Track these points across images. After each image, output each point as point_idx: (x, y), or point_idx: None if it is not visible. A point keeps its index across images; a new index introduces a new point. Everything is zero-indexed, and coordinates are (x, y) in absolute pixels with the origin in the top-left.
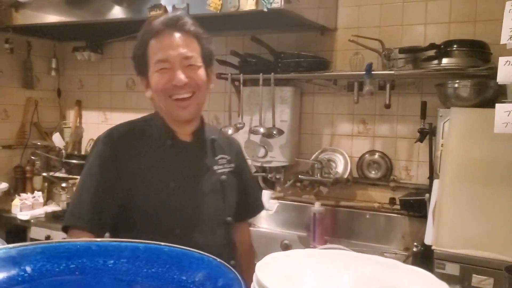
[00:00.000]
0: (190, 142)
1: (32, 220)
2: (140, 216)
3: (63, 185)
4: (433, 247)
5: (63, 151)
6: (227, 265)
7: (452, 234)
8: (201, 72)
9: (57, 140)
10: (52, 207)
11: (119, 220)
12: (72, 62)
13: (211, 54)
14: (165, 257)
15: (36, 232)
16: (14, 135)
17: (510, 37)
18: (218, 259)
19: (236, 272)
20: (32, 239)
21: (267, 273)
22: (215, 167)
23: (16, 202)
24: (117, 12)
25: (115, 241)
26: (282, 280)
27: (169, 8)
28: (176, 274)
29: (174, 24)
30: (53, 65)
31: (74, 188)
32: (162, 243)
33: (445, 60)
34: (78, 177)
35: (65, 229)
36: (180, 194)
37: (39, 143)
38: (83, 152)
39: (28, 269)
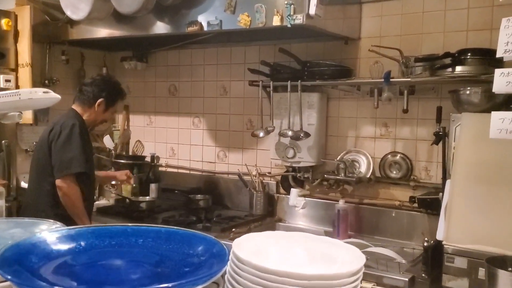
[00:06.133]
0: None
1: None
2: (88, 176)
3: (113, 182)
4: (443, 242)
5: (113, 152)
6: (218, 240)
7: (462, 231)
8: None
9: (108, 141)
10: (102, 202)
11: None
12: (120, 70)
13: None
14: (179, 237)
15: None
16: None
17: (505, 51)
18: (214, 238)
19: (222, 243)
20: None
21: (241, 248)
22: None
23: None
24: (160, 27)
25: (144, 226)
26: (252, 253)
27: (204, 24)
28: (185, 248)
29: None
30: (104, 74)
31: (62, 148)
32: (177, 228)
33: (458, 68)
34: None
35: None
36: None
37: None
38: (130, 153)
39: (82, 243)
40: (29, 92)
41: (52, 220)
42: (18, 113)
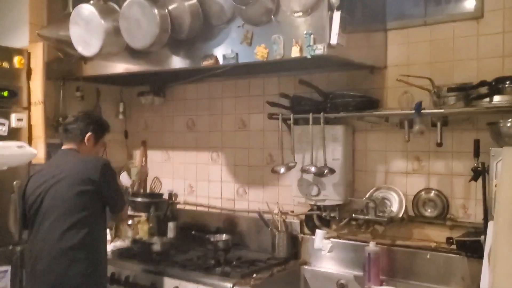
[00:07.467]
0: None
1: None
2: None
3: (129, 222)
4: None
5: (130, 190)
6: None
7: (509, 281)
8: None
9: (125, 179)
10: (119, 244)
11: None
12: (138, 106)
13: None
14: None
15: None
16: None
17: None
18: None
19: None
20: None
21: None
22: None
23: None
24: (175, 61)
25: None
26: None
27: (220, 58)
28: None
29: None
30: (121, 109)
31: (115, 191)
32: None
33: (497, 98)
34: (144, 214)
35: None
36: None
37: None
38: (148, 191)
39: None
40: (2, 147)
41: None
42: None
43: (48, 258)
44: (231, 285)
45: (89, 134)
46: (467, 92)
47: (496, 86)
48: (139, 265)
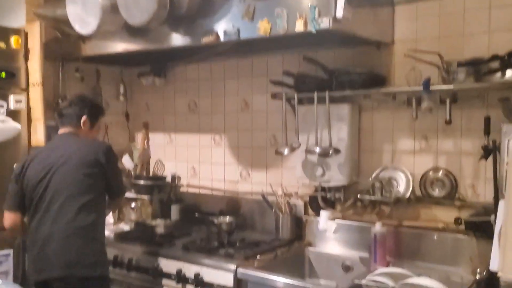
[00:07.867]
0: None
1: None
2: None
3: (132, 205)
4: (499, 274)
5: (132, 172)
6: None
7: None
8: None
9: (127, 162)
10: (121, 227)
11: None
12: (138, 87)
13: None
14: None
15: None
16: None
17: None
18: None
19: None
20: None
21: None
22: None
23: None
24: (175, 39)
25: None
26: None
27: (221, 34)
28: None
29: None
30: (121, 91)
31: (117, 176)
32: None
33: (509, 73)
34: (147, 196)
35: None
36: None
37: None
38: (151, 174)
39: None
40: None
41: None
42: None
43: (62, 238)
44: (235, 267)
45: (84, 118)
46: (478, 67)
47: (508, 60)
48: (142, 248)
